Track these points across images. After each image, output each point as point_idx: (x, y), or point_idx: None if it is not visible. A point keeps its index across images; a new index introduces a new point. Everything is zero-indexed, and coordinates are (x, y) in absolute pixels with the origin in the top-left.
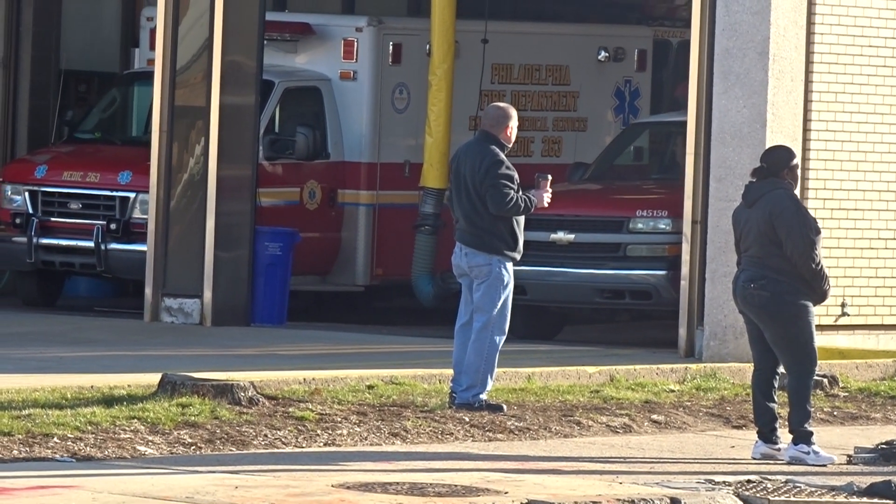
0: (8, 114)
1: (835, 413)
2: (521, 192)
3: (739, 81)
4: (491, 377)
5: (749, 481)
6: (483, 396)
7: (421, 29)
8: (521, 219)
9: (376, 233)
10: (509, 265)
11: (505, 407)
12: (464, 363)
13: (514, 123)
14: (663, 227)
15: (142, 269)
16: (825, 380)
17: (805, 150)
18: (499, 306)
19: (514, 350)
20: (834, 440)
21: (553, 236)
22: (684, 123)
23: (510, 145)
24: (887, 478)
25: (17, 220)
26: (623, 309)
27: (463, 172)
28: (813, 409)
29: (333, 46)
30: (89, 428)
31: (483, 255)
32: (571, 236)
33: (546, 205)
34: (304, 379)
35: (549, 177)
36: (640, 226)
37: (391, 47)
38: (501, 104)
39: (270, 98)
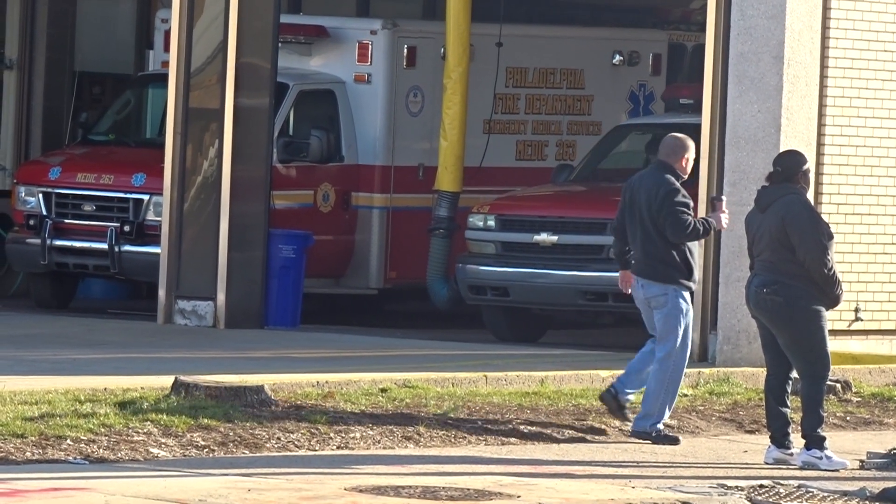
0: (22, 115)
1: (847, 418)
2: (698, 217)
3: (754, 86)
4: (669, 407)
5: (761, 486)
6: (660, 426)
7: (436, 32)
8: (696, 248)
9: (390, 236)
10: (686, 294)
11: (681, 439)
12: (635, 372)
13: (690, 155)
14: None
15: (155, 272)
16: (838, 385)
17: (819, 154)
18: (680, 336)
19: (527, 354)
20: (846, 445)
21: (536, 238)
22: (670, 125)
23: (685, 176)
24: None
25: (31, 222)
26: (606, 311)
27: (638, 202)
28: (826, 414)
29: (348, 49)
30: (102, 430)
31: (658, 285)
32: (555, 238)
33: (725, 226)
34: (318, 382)
35: (724, 198)
36: None
37: (406, 50)
38: (679, 135)
39: (285, 100)
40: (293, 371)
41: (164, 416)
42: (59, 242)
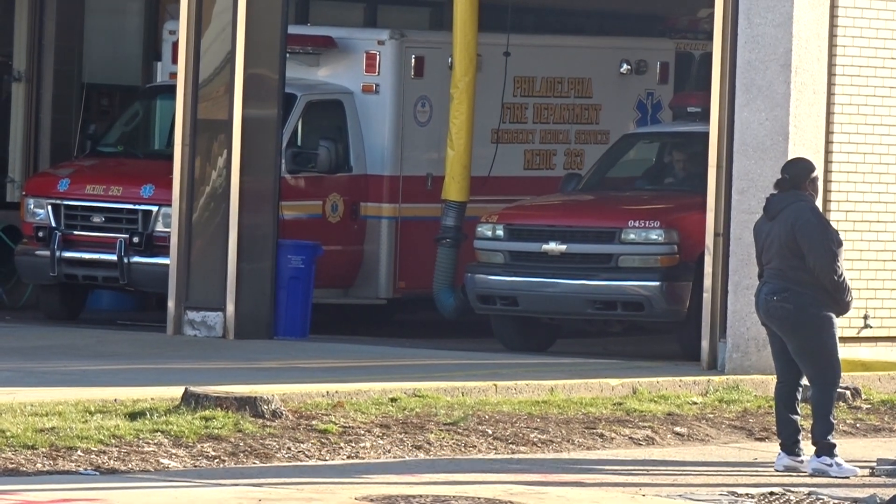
0: (31, 127)
1: (857, 425)
2: None
3: (762, 94)
4: None
5: (772, 493)
6: None
7: (443, 42)
8: None
9: (399, 246)
10: None
11: None
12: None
13: None
14: (655, 237)
15: (164, 283)
16: (848, 392)
17: (827, 162)
18: None
19: (536, 363)
20: (857, 452)
21: (545, 247)
22: (678, 134)
23: None
24: None
25: (41, 234)
26: (615, 320)
27: None
28: (836, 421)
29: (356, 60)
30: (113, 441)
31: None
32: (563, 247)
33: None
34: (328, 392)
35: None
36: (632, 236)
37: (413, 60)
38: None
39: (293, 111)
40: (303, 381)
41: (175, 427)
42: (68, 254)
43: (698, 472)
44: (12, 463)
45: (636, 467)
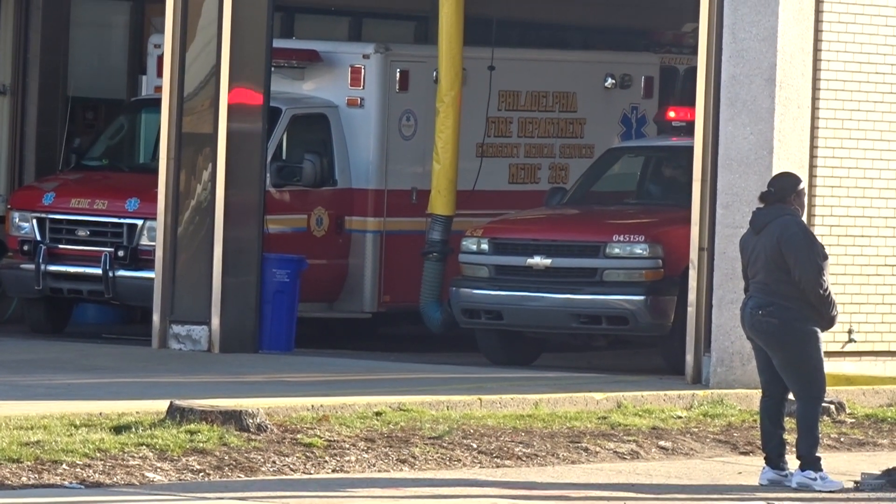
0: (16, 141)
1: (842, 439)
2: None
3: (746, 108)
4: None
5: None
6: None
7: (428, 56)
8: None
9: (384, 259)
10: None
11: None
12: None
13: None
14: (640, 251)
15: (150, 296)
16: (832, 406)
17: (812, 176)
18: None
19: (521, 377)
20: (841, 466)
21: (530, 261)
22: (662, 148)
23: None
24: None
25: (26, 248)
26: (600, 334)
27: None
28: (820, 436)
29: (341, 73)
30: (98, 455)
31: None
32: (548, 261)
33: None
34: (312, 406)
35: None
36: (616, 251)
37: (398, 74)
38: None
39: (278, 125)
40: (288, 395)
41: (160, 441)
42: (53, 268)
43: (683, 486)
44: None
45: (621, 481)
